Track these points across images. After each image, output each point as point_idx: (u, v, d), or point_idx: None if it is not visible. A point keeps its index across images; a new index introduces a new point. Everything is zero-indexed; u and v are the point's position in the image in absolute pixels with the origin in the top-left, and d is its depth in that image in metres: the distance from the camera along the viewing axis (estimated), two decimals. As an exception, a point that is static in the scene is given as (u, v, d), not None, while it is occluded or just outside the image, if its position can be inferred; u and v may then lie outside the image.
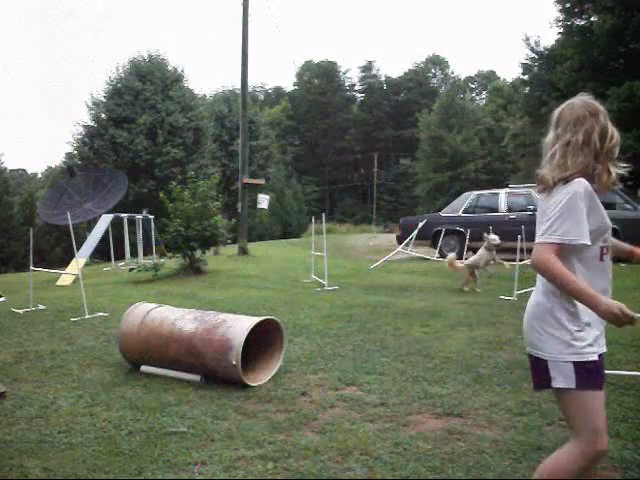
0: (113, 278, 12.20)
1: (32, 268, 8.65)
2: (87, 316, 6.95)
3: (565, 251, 1.94)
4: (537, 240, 1.98)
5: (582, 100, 2.06)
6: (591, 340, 1.97)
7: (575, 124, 2.00)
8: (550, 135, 2.08)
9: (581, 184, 1.93)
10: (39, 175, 61.72)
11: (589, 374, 1.94)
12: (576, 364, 1.93)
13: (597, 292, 1.91)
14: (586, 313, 1.94)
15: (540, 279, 2.05)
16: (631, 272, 9.13)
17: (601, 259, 2.02)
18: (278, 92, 69.57)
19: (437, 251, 13.03)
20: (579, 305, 1.94)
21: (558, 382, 1.97)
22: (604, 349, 2.03)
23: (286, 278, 10.51)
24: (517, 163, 34.51)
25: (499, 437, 3.19)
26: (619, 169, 2.02)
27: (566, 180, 1.95)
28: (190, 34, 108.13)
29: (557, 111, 2.09)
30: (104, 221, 14.98)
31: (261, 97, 68.29)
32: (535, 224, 2.08)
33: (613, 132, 2.02)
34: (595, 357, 1.96)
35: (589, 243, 1.92)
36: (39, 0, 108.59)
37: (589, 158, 1.97)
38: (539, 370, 2.04)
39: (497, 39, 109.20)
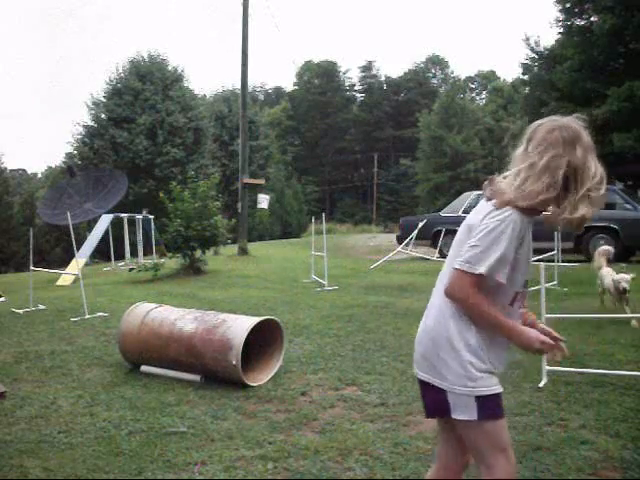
0: (113, 278, 12.20)
1: (32, 268, 8.65)
2: (87, 316, 6.95)
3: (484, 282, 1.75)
4: (457, 265, 1.75)
5: (565, 122, 1.77)
6: (494, 371, 1.82)
7: (545, 146, 1.74)
8: (520, 150, 1.82)
9: (517, 215, 1.71)
10: (39, 175, 61.65)
11: (492, 407, 1.79)
12: (479, 398, 1.76)
13: (498, 339, 1.80)
14: (494, 344, 1.81)
15: (447, 301, 1.84)
16: (631, 273, 9.11)
17: (512, 304, 1.84)
18: (278, 92, 69.61)
19: (437, 251, 13.03)
20: (488, 333, 1.79)
21: (458, 413, 1.78)
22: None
23: (286, 278, 10.51)
24: (517, 163, 34.42)
25: (499, 437, 3.18)
26: (592, 208, 1.71)
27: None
28: (190, 34, 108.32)
29: (534, 125, 1.82)
30: (104, 221, 14.98)
31: (261, 97, 68.30)
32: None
33: (596, 169, 1.72)
34: (499, 390, 1.81)
35: (504, 282, 1.75)
36: (39, 0, 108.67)
37: (549, 189, 1.70)
38: (434, 398, 1.84)
39: (497, 39, 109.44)
